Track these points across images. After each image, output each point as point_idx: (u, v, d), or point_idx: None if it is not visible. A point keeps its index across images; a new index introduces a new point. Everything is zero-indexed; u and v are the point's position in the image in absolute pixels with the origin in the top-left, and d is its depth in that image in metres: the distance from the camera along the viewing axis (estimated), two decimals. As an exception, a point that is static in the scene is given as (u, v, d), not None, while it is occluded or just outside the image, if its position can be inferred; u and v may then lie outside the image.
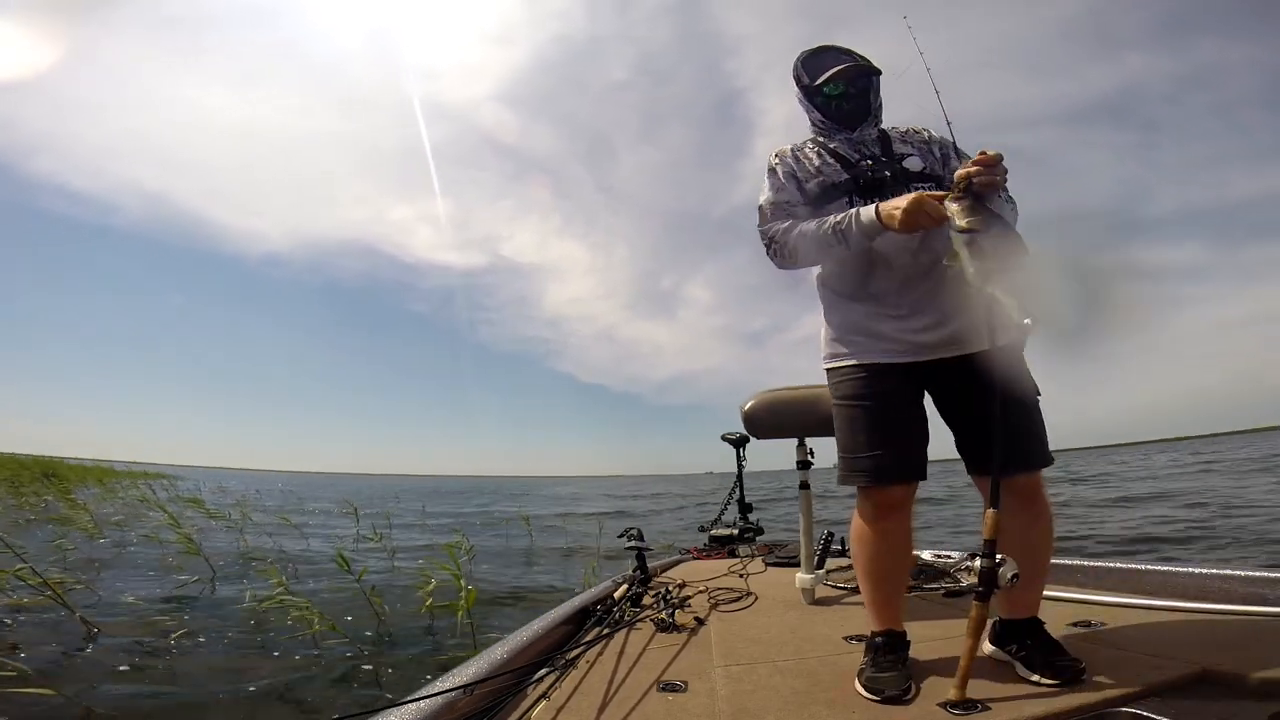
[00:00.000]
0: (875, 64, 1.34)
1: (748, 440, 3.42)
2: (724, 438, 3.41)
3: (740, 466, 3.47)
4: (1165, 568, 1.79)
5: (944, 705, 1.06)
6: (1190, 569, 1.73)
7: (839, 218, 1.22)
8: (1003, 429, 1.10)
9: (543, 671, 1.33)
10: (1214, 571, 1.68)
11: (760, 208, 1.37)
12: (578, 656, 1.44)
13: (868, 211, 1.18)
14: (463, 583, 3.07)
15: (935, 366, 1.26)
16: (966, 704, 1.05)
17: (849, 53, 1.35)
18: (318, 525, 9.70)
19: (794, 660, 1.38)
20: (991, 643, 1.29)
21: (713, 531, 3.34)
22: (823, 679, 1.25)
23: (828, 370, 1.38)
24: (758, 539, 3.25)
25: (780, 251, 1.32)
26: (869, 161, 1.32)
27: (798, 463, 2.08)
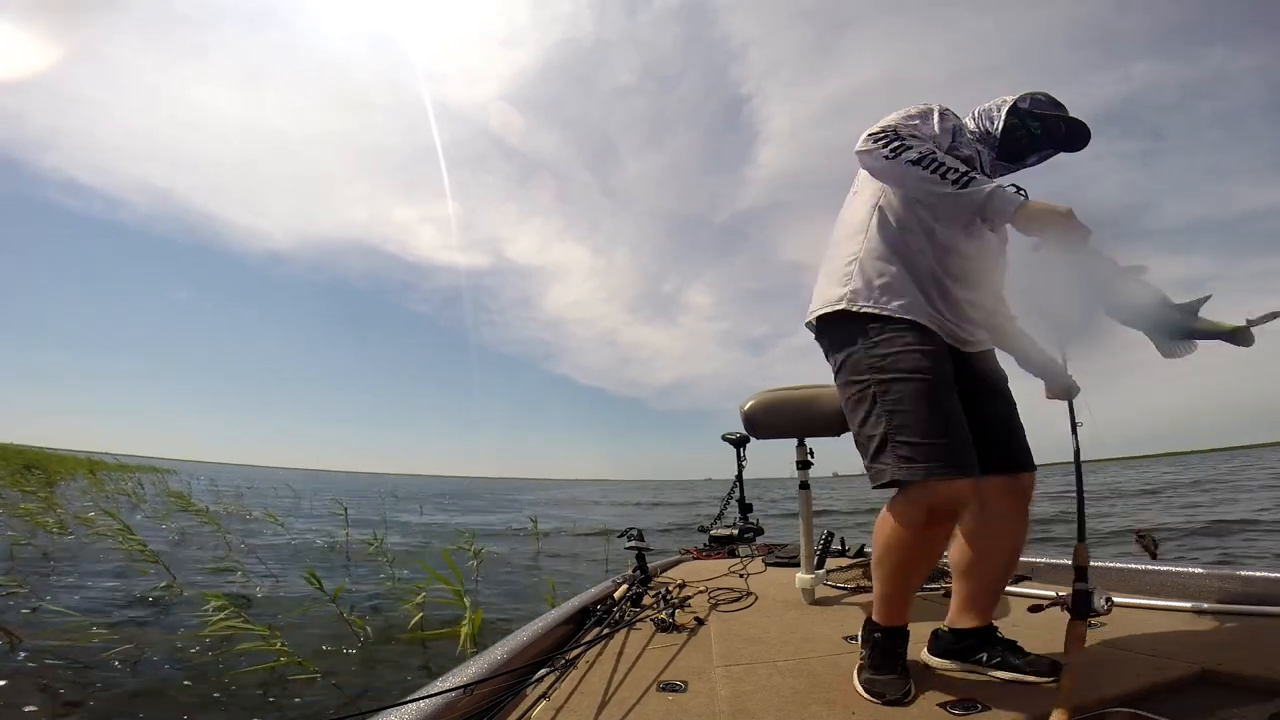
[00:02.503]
0: (1080, 148, 1.29)
1: (748, 440, 3.43)
2: (724, 438, 3.42)
3: (740, 467, 3.48)
4: (1165, 568, 1.79)
5: (944, 705, 1.06)
6: (1190, 569, 1.73)
7: (980, 178, 1.07)
8: (1013, 429, 1.22)
9: (543, 671, 1.33)
10: (1214, 571, 1.68)
11: (902, 120, 1.20)
12: (578, 656, 1.44)
13: (1013, 194, 1.05)
14: (467, 601, 2.77)
15: (964, 359, 1.21)
16: (967, 704, 1.05)
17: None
18: (305, 527, 9.39)
19: (794, 660, 1.38)
20: (936, 654, 1.28)
21: (713, 531, 3.34)
22: (823, 679, 1.24)
23: (868, 315, 1.15)
24: (758, 539, 3.25)
25: (896, 147, 1.12)
26: None
27: (797, 463, 2.08)
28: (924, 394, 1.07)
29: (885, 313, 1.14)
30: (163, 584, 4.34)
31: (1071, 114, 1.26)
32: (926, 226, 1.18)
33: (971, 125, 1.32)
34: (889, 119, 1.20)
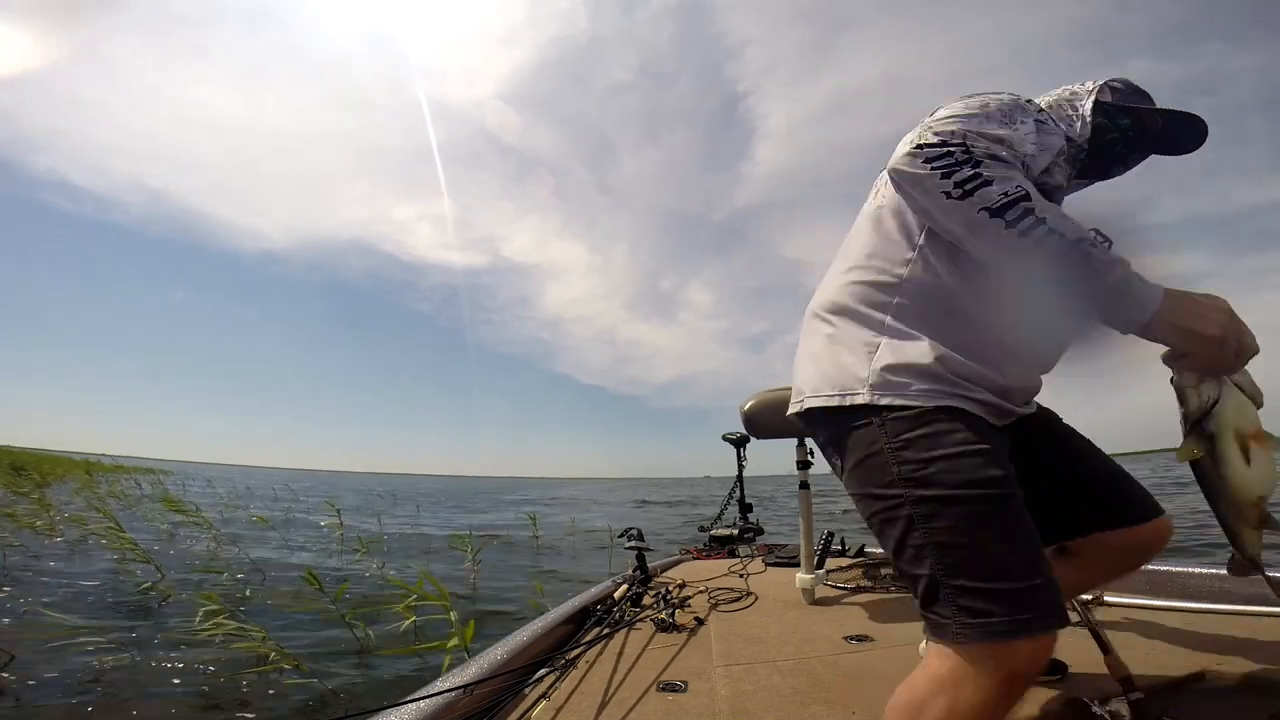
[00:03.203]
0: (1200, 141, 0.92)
1: (748, 440, 3.43)
2: (725, 438, 3.42)
3: (740, 466, 3.48)
4: (1165, 568, 1.79)
5: None
6: (1190, 569, 1.73)
7: (1100, 248, 0.68)
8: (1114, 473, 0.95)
9: (543, 671, 1.33)
10: (1214, 571, 1.68)
11: (975, 122, 0.75)
12: (578, 656, 1.44)
13: (1149, 284, 0.66)
14: (454, 616, 2.64)
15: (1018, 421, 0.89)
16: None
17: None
18: (302, 531, 9.31)
19: (794, 660, 1.38)
20: None
21: (713, 531, 3.34)
22: (823, 679, 1.24)
23: (907, 410, 0.76)
24: (758, 539, 3.25)
25: (968, 179, 0.69)
26: None
27: (797, 463, 2.08)
28: (990, 518, 0.70)
29: (922, 404, 0.76)
30: (147, 584, 4.31)
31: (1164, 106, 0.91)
32: (984, 271, 0.78)
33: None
34: (949, 113, 0.75)
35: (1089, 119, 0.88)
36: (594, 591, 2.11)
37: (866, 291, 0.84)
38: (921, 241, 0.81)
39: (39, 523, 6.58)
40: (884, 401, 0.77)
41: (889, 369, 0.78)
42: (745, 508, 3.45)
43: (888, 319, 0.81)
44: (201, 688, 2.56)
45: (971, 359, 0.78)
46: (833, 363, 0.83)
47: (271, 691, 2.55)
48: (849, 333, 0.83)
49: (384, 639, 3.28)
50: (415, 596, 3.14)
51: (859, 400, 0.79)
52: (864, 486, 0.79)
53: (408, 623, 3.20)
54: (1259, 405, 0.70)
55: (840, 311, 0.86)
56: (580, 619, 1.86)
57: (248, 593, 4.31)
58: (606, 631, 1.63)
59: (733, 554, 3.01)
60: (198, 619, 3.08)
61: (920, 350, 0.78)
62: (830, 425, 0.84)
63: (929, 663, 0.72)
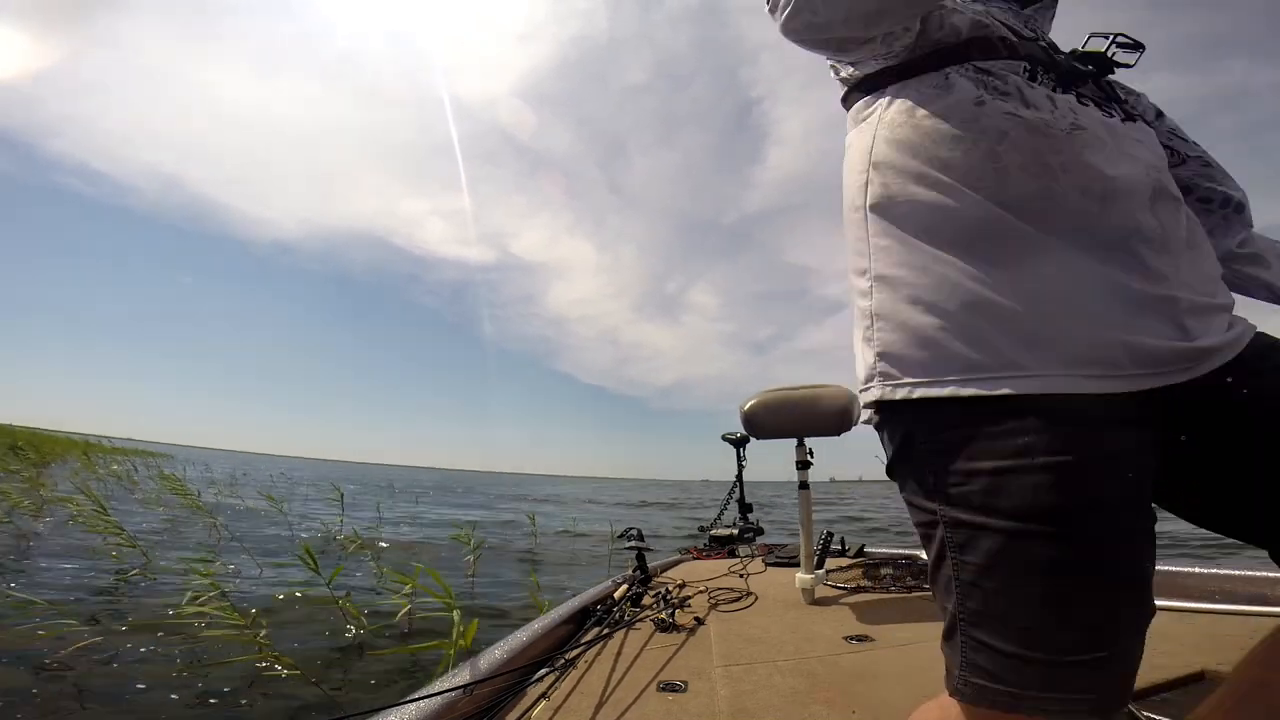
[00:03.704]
0: None
1: (748, 440, 3.43)
2: (724, 438, 3.43)
3: (740, 467, 3.49)
4: (1165, 568, 1.79)
5: None
6: (1191, 569, 1.73)
7: None
8: None
9: (543, 671, 1.33)
10: (1214, 571, 1.68)
11: None
12: (578, 656, 1.44)
13: None
14: (456, 615, 2.50)
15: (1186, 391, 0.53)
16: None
17: None
18: (297, 523, 9.26)
19: (794, 660, 1.38)
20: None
21: (713, 531, 3.35)
22: (823, 679, 1.24)
23: (939, 402, 0.54)
24: (758, 539, 3.25)
25: None
26: (1044, 45, 0.68)
27: (797, 463, 2.08)
28: (1039, 564, 0.49)
29: (958, 392, 0.53)
30: (135, 570, 4.25)
31: None
32: (988, 151, 0.56)
33: None
34: None
35: None
36: (594, 591, 2.11)
37: (853, 268, 0.66)
38: (870, 165, 0.63)
39: (26, 503, 6.56)
40: (900, 395, 0.57)
41: (900, 342, 0.57)
42: (745, 508, 3.46)
43: (870, 262, 0.62)
44: (183, 681, 2.47)
45: (1013, 287, 0.53)
46: (856, 346, 0.65)
47: (262, 689, 2.49)
48: (853, 300, 0.65)
49: (380, 636, 3.23)
50: (409, 588, 3.11)
51: (872, 396, 0.61)
52: (904, 491, 0.62)
53: (403, 612, 3.16)
54: None
55: (851, 295, 0.67)
56: (580, 619, 1.86)
57: (237, 582, 4.29)
58: (606, 631, 1.63)
59: (733, 554, 3.01)
60: (187, 599, 3.00)
61: (916, 314, 0.57)
62: (877, 417, 0.65)
63: (945, 699, 0.60)
